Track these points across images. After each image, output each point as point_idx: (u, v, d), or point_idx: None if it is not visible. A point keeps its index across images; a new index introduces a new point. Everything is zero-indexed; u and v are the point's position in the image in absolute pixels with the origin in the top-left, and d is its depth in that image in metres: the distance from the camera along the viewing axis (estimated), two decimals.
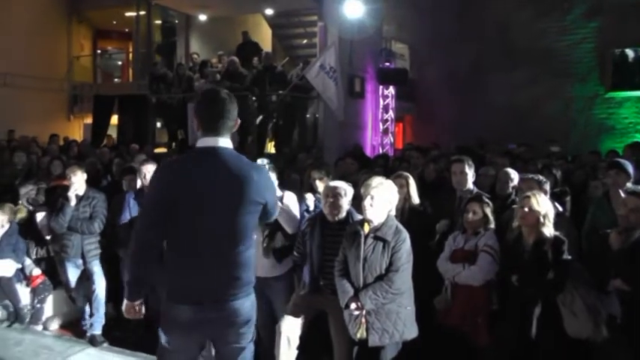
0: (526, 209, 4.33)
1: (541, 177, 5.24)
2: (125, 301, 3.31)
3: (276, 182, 5.22)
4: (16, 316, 6.54)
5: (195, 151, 3.20)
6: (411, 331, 4.22)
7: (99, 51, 18.58)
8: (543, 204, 4.32)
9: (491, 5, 15.61)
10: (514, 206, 4.88)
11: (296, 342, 4.77)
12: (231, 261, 3.13)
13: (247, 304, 3.22)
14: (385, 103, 15.23)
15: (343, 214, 4.70)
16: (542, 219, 4.27)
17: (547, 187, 5.10)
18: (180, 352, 3.23)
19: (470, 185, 5.45)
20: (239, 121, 3.25)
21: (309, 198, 5.54)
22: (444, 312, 4.71)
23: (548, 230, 4.27)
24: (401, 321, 4.13)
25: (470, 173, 5.46)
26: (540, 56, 14.98)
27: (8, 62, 14.27)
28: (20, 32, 14.92)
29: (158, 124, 14.84)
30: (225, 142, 3.16)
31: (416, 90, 17.20)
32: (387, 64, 15.03)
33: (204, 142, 3.15)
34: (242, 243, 3.15)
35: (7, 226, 6.65)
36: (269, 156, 9.75)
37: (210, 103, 3.19)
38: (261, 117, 12.54)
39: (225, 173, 3.09)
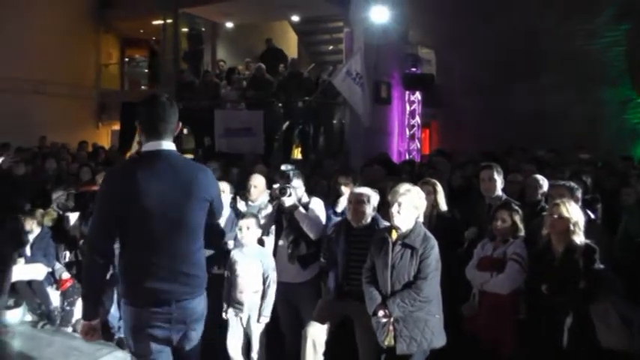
0: (556, 216, 4.24)
1: (572, 184, 5.12)
2: (82, 322, 3.27)
3: (303, 188, 5.24)
4: (47, 318, 6.71)
5: (142, 156, 3.28)
6: (439, 340, 4.16)
7: (126, 59, 18.75)
8: (573, 211, 4.23)
9: (517, 8, 15.39)
10: (544, 214, 4.77)
11: (322, 347, 4.78)
12: (188, 261, 3.24)
13: (202, 302, 3.36)
14: (411, 108, 15.17)
15: (368, 221, 4.71)
16: (572, 227, 4.18)
17: (578, 194, 5.00)
18: (152, 356, 3.26)
19: (499, 192, 5.39)
20: (180, 124, 3.36)
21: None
22: (472, 319, 4.66)
23: (579, 238, 4.18)
24: (429, 329, 4.08)
25: (499, 180, 5.39)
26: (569, 60, 14.71)
27: (39, 71, 14.55)
28: (50, 42, 15.19)
29: (184, 131, 14.94)
30: (168, 144, 3.25)
31: (442, 95, 17.08)
32: (413, 69, 14.96)
33: (149, 146, 3.24)
34: (196, 242, 3.28)
35: (37, 230, 6.85)
36: (295, 162, 9.75)
37: (150, 108, 3.28)
38: (287, 123, 12.56)
39: (172, 174, 3.18)
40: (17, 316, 6.73)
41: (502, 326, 4.47)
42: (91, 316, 3.23)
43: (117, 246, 3.25)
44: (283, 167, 5.42)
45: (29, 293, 6.78)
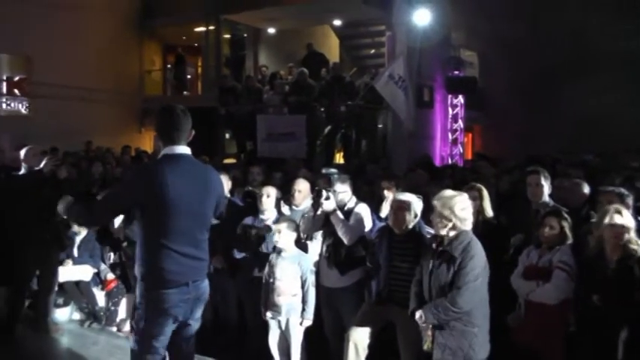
0: (608, 223, 4.11)
1: (622, 190, 4.96)
2: None
3: (349, 192, 5.21)
4: (93, 317, 6.87)
5: (164, 158, 3.64)
6: (479, 353, 4.00)
7: (169, 65, 19.03)
8: (628, 218, 4.10)
9: (564, 8, 15.03)
10: (592, 220, 4.62)
11: (365, 351, 4.76)
12: (201, 247, 3.69)
13: (207, 283, 3.79)
14: (454, 112, 14.98)
15: (410, 227, 4.67)
16: (627, 234, 4.04)
17: (629, 200, 4.81)
18: (163, 336, 3.61)
19: (546, 198, 5.26)
20: (193, 132, 3.68)
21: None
22: (519, 330, 4.54)
23: (634, 246, 4.02)
24: (466, 341, 3.95)
25: (546, 185, 5.27)
26: (619, 60, 14.31)
27: (85, 78, 14.92)
28: (96, 50, 15.61)
29: (227, 136, 15.06)
30: (183, 149, 3.64)
31: (485, 99, 16.85)
32: (456, 72, 14.77)
33: (167, 150, 3.62)
34: (207, 231, 3.74)
35: (84, 232, 6.98)
36: (337, 167, 9.72)
37: (166, 118, 3.66)
38: (329, 127, 12.55)
39: (191, 173, 3.62)
40: (66, 314, 6.91)
41: (550, 338, 4.33)
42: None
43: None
44: (324, 170, 5.38)
45: (77, 293, 6.95)
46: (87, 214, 3.94)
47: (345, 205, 5.19)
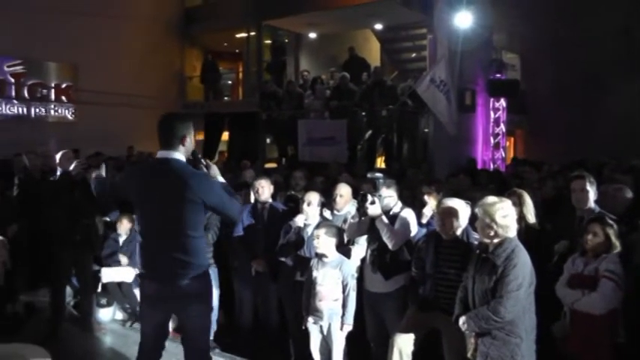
0: None
1: None
2: None
3: (394, 197, 5.16)
4: (135, 317, 6.92)
5: (152, 160, 4.04)
6: None
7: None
8: None
9: (607, 7, 14.65)
10: None
11: (409, 357, 4.72)
12: (174, 246, 3.81)
13: (196, 283, 3.86)
14: (496, 116, 14.74)
15: (457, 233, 4.62)
16: None
17: None
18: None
19: (591, 204, 5.08)
20: (187, 137, 3.91)
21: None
22: (565, 340, 4.42)
23: None
24: (508, 351, 3.86)
25: (591, 191, 5.09)
26: None
27: (128, 84, 15.27)
28: (138, 56, 16.06)
29: (268, 140, 15.15)
30: (172, 153, 3.86)
31: (527, 102, 16.59)
32: (498, 75, 14.56)
33: (159, 154, 3.91)
34: (181, 233, 3.80)
35: (125, 235, 7.09)
36: (379, 171, 9.67)
37: (160, 125, 3.93)
38: (370, 132, 12.51)
39: (166, 177, 3.83)
40: (109, 314, 7.04)
41: (598, 349, 4.19)
42: None
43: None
44: (369, 175, 5.35)
45: (119, 294, 7.08)
46: (102, 190, 4.47)
47: (390, 209, 5.15)
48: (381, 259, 5.06)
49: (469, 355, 4.04)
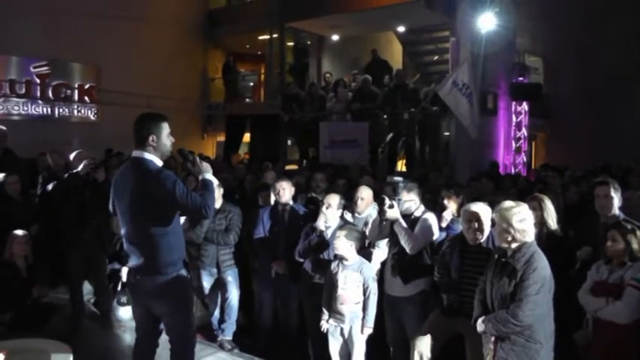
0: None
1: None
2: None
3: (416, 201, 5.14)
4: None
5: (125, 161, 4.10)
6: None
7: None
8: None
9: (631, 9, 14.43)
10: None
11: None
12: (140, 244, 3.97)
13: (171, 281, 3.97)
14: (518, 120, 14.63)
15: (483, 238, 4.58)
16: None
17: None
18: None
19: (615, 210, 5.01)
20: (154, 136, 3.98)
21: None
22: (587, 350, 4.37)
23: None
24: (527, 357, 3.84)
25: (616, 197, 5.02)
26: None
27: (151, 85, 15.36)
28: (162, 58, 16.12)
29: (289, 142, 15.17)
30: (141, 153, 3.99)
31: (550, 106, 16.44)
32: (520, 78, 14.46)
33: (132, 153, 4.05)
34: (143, 231, 3.93)
35: None
36: (399, 174, 9.64)
37: (134, 124, 4.08)
38: (391, 134, 12.48)
39: (130, 176, 3.97)
40: (129, 312, 7.02)
41: (622, 359, 4.12)
42: None
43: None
44: (389, 178, 5.34)
45: None
46: None
47: (411, 213, 5.13)
48: (400, 263, 5.04)
49: (487, 359, 4.01)
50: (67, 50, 13.96)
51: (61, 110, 14.47)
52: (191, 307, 4.31)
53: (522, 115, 14.65)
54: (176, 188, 3.83)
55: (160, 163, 4.03)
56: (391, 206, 4.92)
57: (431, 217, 5.15)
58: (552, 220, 5.06)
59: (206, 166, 4.18)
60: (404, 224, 4.96)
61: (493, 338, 3.94)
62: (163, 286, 3.97)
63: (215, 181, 4.22)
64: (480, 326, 4.00)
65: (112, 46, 14.55)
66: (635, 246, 4.21)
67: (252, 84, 20.42)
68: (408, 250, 4.92)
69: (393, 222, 4.98)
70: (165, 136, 4.05)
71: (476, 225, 4.55)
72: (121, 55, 14.70)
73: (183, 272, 4.11)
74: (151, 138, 3.97)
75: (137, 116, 4.11)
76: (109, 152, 12.35)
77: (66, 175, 6.53)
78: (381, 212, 5.00)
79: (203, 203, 3.92)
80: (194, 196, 3.89)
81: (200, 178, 4.15)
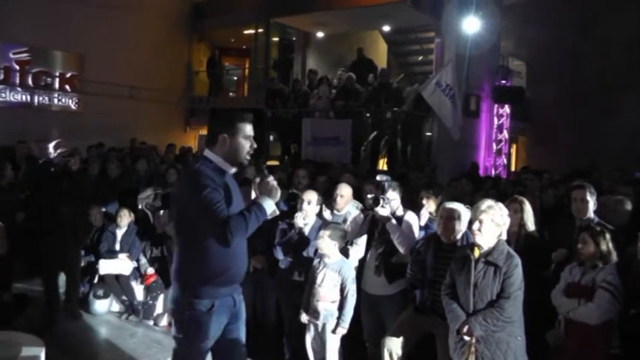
0: None
1: None
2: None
3: (398, 200, 5.14)
4: (131, 310, 7.02)
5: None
6: None
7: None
8: None
9: (615, 17, 14.57)
10: None
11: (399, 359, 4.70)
12: (178, 255, 3.49)
13: (173, 304, 3.46)
14: (500, 122, 14.74)
15: (458, 237, 4.61)
16: None
17: None
18: None
19: (591, 214, 5.08)
20: (224, 136, 3.46)
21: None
22: (558, 350, 4.41)
23: None
24: (511, 351, 3.88)
25: (591, 201, 5.09)
26: None
27: (134, 77, 15.27)
28: (146, 50, 15.99)
29: (271, 138, 15.14)
30: (205, 152, 3.51)
31: (532, 109, 16.58)
32: (503, 81, 14.56)
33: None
34: (181, 243, 3.49)
35: (125, 227, 7.10)
36: (384, 173, 9.65)
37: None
38: (374, 133, 12.49)
39: (180, 178, 3.66)
40: (105, 306, 7.03)
41: (592, 359, 4.20)
42: None
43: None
44: (379, 177, 5.35)
45: (116, 286, 7.10)
46: None
47: (394, 212, 5.14)
48: (387, 263, 5.04)
49: None
50: (49, 37, 13.80)
51: (40, 98, 14.29)
52: (196, 342, 3.44)
53: (504, 118, 14.76)
54: (201, 196, 3.21)
55: (223, 166, 3.45)
56: (383, 205, 4.94)
57: (413, 217, 5.19)
58: (531, 222, 5.13)
59: (275, 192, 3.46)
60: (395, 223, 4.97)
61: (474, 339, 3.92)
62: (173, 305, 3.47)
63: (274, 211, 3.47)
64: (466, 331, 3.92)
65: (95, 35, 14.39)
66: (604, 247, 4.29)
67: (236, 78, 20.35)
68: (402, 250, 4.92)
69: (385, 221, 4.98)
70: (242, 139, 3.51)
71: (451, 223, 4.58)
72: (104, 45, 14.54)
73: (202, 304, 3.36)
74: (221, 137, 3.45)
75: (217, 112, 3.75)
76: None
77: (40, 162, 6.44)
78: (370, 211, 5.03)
79: (228, 227, 3.15)
80: (219, 212, 3.19)
81: (255, 199, 3.47)
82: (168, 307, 3.64)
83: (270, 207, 3.39)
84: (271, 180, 3.46)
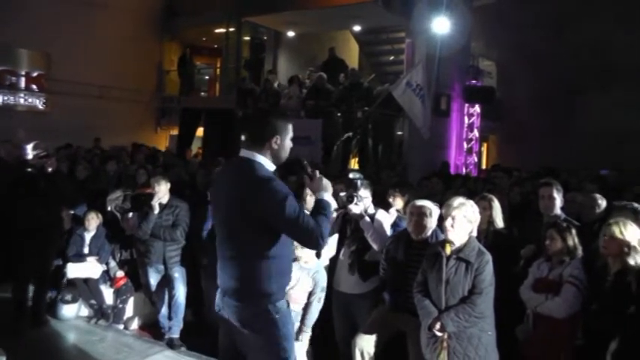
0: (606, 237, 4.10)
1: (637, 205, 4.87)
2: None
3: (370, 198, 5.15)
4: (101, 314, 6.89)
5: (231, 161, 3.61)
6: (492, 358, 4.02)
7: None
8: (630, 232, 4.04)
9: (586, 21, 14.75)
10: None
11: (371, 358, 4.71)
12: (234, 264, 3.30)
13: (262, 313, 3.26)
14: (470, 121, 14.86)
15: (428, 234, 4.65)
16: (626, 248, 3.99)
17: None
18: (221, 338, 3.52)
19: (557, 211, 5.19)
20: (277, 137, 3.35)
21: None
22: (527, 343, 4.49)
23: (634, 260, 3.96)
24: (482, 346, 3.93)
25: (558, 198, 5.21)
26: None
27: (104, 76, 15.06)
28: (115, 48, 15.76)
29: (243, 137, 15.07)
30: (253, 155, 3.34)
31: (502, 109, 16.74)
32: (474, 81, 14.69)
33: (240, 153, 3.42)
34: (237, 251, 3.29)
35: (93, 230, 7.01)
36: (354, 171, 9.67)
37: (250, 120, 3.65)
38: (348, 134, 12.50)
39: (231, 180, 3.37)
40: (74, 310, 6.90)
41: (559, 352, 4.27)
42: None
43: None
44: (351, 175, 5.37)
45: (85, 290, 6.96)
46: None
47: (366, 210, 5.14)
48: (360, 261, 5.05)
49: (440, 358, 4.01)
50: (13, 35, 13.49)
51: (5, 98, 14.02)
52: (285, 346, 3.30)
53: (475, 117, 14.88)
54: (285, 205, 3.10)
55: (272, 168, 3.36)
56: (357, 203, 4.95)
57: (384, 215, 5.22)
58: (499, 219, 5.22)
59: (326, 183, 3.42)
60: (368, 220, 4.98)
61: (446, 335, 3.95)
62: (250, 318, 3.26)
63: (334, 204, 3.54)
64: (438, 327, 3.94)
65: (63, 33, 14.13)
66: (570, 243, 4.40)
67: (207, 77, 20.22)
68: (375, 247, 4.94)
69: (359, 219, 4.99)
70: (289, 141, 3.44)
71: (421, 220, 4.62)
72: (72, 43, 14.33)
73: (280, 305, 3.29)
74: (274, 139, 3.34)
75: (259, 112, 3.59)
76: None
77: (16, 164, 6.32)
78: (343, 209, 5.04)
79: (318, 231, 3.16)
80: (307, 219, 3.14)
81: (317, 197, 3.38)
82: (244, 323, 3.24)
83: (332, 201, 3.46)
84: (317, 173, 3.47)
